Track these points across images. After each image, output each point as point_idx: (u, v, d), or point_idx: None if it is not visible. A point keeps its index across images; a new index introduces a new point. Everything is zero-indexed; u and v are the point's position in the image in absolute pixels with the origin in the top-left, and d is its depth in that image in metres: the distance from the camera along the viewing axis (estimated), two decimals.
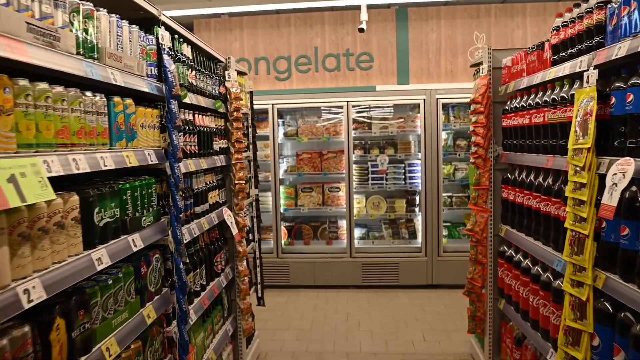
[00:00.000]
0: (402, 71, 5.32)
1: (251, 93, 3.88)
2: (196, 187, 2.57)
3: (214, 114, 2.92)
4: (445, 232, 5.15)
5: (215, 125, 2.89)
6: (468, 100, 3.26)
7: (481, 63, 3.23)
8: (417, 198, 5.26)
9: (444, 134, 5.09)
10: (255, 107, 5.12)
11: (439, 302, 4.66)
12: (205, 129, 2.68)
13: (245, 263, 3.19)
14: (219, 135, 2.94)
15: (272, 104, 5.16)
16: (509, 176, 2.80)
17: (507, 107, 2.87)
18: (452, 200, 5.19)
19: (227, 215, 2.97)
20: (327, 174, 5.30)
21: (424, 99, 5.00)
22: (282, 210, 5.32)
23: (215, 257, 2.82)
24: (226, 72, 3.08)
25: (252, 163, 3.88)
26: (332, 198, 5.32)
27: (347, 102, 5.09)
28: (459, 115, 5.18)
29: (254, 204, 3.89)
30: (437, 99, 4.98)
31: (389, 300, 4.77)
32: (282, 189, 5.35)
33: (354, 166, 5.23)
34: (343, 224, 5.33)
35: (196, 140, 2.51)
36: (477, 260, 3.18)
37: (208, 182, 2.77)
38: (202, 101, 2.61)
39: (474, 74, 3.60)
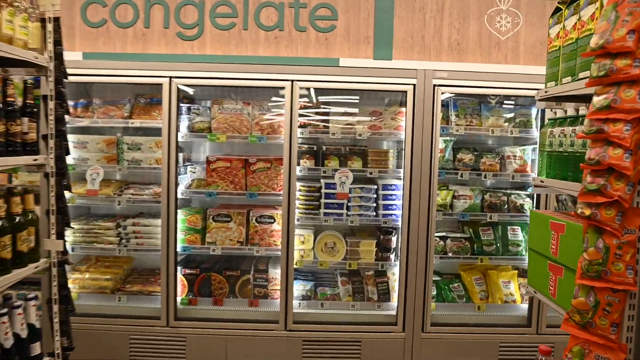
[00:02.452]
0: (381, 38, 3.86)
1: (55, 23, 2.39)
2: None
3: None
4: (433, 292, 3.78)
5: None
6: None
7: None
8: (395, 239, 3.85)
9: (441, 141, 3.70)
10: (140, 79, 3.58)
11: None
12: None
13: None
14: None
15: (170, 78, 3.57)
16: None
17: None
18: (447, 245, 3.82)
19: None
20: (256, 195, 3.79)
21: (414, 85, 3.57)
22: (179, 249, 3.76)
23: None
24: None
25: (50, 179, 2.39)
26: (262, 233, 3.82)
27: (292, 81, 3.58)
28: (464, 115, 3.80)
29: (54, 274, 2.38)
30: (434, 85, 3.56)
31: None
32: (181, 214, 3.78)
33: (297, 184, 3.74)
34: (277, 274, 3.85)
35: None
36: None
37: None
38: None
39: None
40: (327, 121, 3.83)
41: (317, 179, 3.90)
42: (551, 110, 2.76)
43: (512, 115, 3.87)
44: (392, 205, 3.78)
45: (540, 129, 3.02)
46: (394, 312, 3.76)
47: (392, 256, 3.84)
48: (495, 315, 3.82)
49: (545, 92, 2.27)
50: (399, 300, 3.72)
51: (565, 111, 2.45)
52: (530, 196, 3.89)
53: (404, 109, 3.71)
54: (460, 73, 3.59)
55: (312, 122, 3.82)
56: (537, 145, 3.67)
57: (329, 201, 3.77)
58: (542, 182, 2.30)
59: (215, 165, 3.79)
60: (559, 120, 2.27)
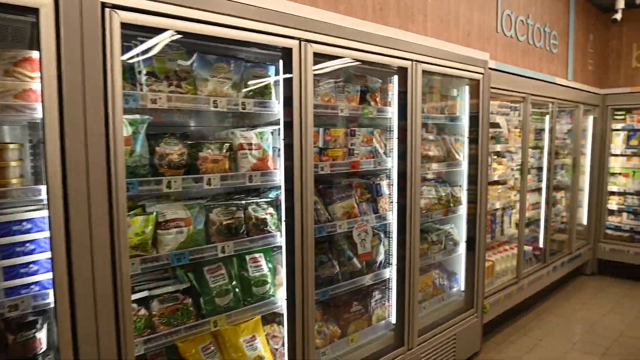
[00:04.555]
0: None
1: None
2: None
3: None
4: None
5: None
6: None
7: None
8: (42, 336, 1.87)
9: (125, 123, 1.92)
10: None
11: None
12: None
13: None
14: None
15: None
16: None
17: None
18: (153, 311, 2.13)
19: None
20: None
21: None
22: None
23: None
24: None
25: None
26: None
27: None
28: (165, 76, 2.13)
29: None
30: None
31: None
32: None
33: None
34: None
35: None
36: None
37: None
38: None
39: None
40: None
41: None
42: None
43: (241, 77, 2.44)
44: (27, 267, 1.78)
45: None
46: None
47: None
48: None
49: None
50: None
51: None
52: (274, 205, 2.60)
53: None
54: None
55: None
56: (285, 125, 2.36)
57: None
58: None
59: None
60: None
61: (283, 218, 2.51)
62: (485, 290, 4.19)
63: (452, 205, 3.77)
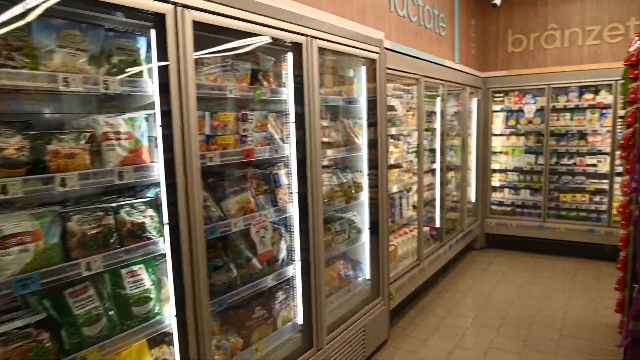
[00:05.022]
0: None
1: None
2: None
3: None
4: None
5: None
6: None
7: None
8: None
9: None
10: None
11: None
12: None
13: None
14: None
15: None
16: None
17: None
18: None
19: None
20: None
21: None
22: None
23: None
24: None
25: None
26: None
27: None
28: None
29: None
30: None
31: None
32: None
33: None
34: None
35: None
36: None
37: None
38: None
39: None
40: None
41: None
42: None
43: (102, 49, 1.96)
44: None
45: None
46: None
47: None
48: None
49: None
50: None
51: None
52: (154, 206, 2.17)
53: None
54: None
55: None
56: (178, 106, 1.96)
57: None
58: None
59: None
60: None
61: (166, 220, 2.10)
62: (390, 275, 4.12)
63: (354, 191, 3.60)
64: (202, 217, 2.17)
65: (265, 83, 2.77)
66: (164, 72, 2.01)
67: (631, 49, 3.42)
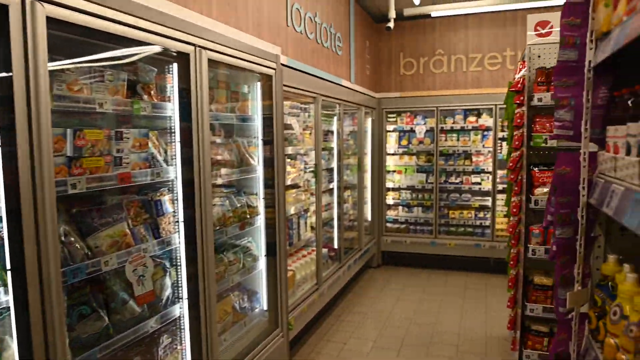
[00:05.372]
0: None
1: None
2: None
3: None
4: None
5: None
6: None
7: None
8: None
9: None
10: None
11: None
12: None
13: None
14: None
15: None
16: None
17: None
18: None
19: None
20: None
21: None
22: None
23: None
24: None
25: None
26: None
27: None
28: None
29: None
30: None
31: None
32: None
33: None
34: None
35: None
36: None
37: None
38: None
39: None
40: None
41: None
42: None
43: None
44: None
45: None
46: None
47: None
48: None
49: None
50: None
51: None
52: None
53: None
54: None
55: None
56: None
57: None
58: None
59: None
60: None
61: (8, 265, 1.66)
62: (289, 303, 3.89)
63: (249, 216, 3.33)
64: (59, 258, 1.76)
65: (145, 96, 2.42)
66: (4, 70, 1.60)
67: (517, 76, 3.61)
